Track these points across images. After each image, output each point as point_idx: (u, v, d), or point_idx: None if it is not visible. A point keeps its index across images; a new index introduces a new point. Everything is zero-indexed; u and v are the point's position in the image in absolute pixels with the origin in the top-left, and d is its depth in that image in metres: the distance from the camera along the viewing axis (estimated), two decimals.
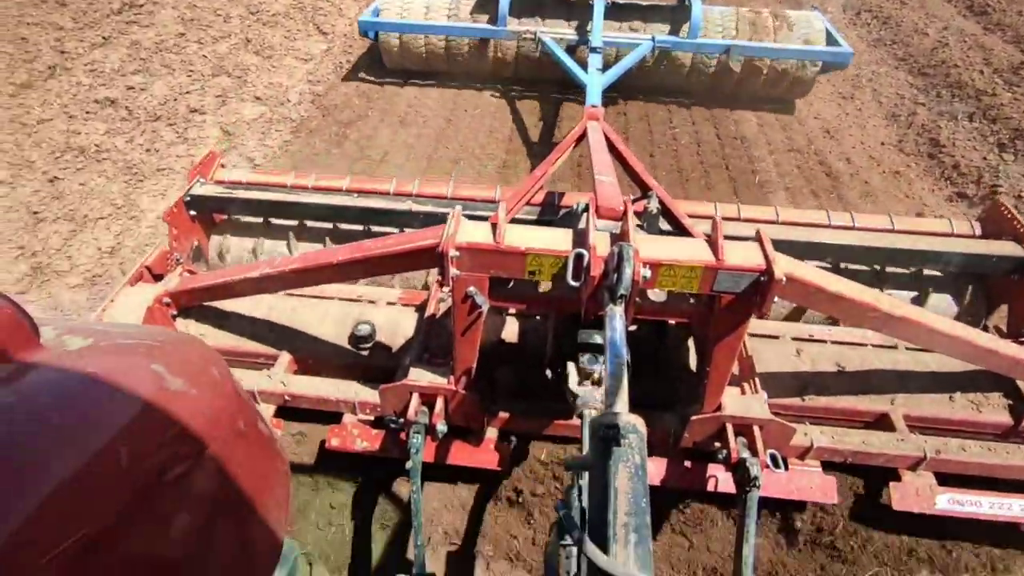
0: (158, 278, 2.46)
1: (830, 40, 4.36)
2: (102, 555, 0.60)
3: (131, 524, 0.62)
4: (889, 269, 2.40)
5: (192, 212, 2.67)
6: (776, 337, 2.22)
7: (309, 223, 2.77)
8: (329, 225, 2.76)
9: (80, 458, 0.58)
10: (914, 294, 2.40)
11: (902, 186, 4.06)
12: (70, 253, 3.43)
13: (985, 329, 2.34)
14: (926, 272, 2.39)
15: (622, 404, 1.16)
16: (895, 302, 1.73)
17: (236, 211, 2.77)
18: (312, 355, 2.26)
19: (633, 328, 1.94)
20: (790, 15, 4.51)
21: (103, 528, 0.58)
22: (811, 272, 1.62)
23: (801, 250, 2.33)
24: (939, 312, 2.37)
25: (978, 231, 2.37)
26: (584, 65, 3.72)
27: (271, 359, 2.25)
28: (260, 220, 2.80)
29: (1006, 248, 2.22)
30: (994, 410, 2.02)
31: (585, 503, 1.08)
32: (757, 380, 1.93)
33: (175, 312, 2.28)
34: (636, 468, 1.03)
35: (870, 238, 2.32)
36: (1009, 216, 2.28)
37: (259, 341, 2.31)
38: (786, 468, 1.78)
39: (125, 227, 3.63)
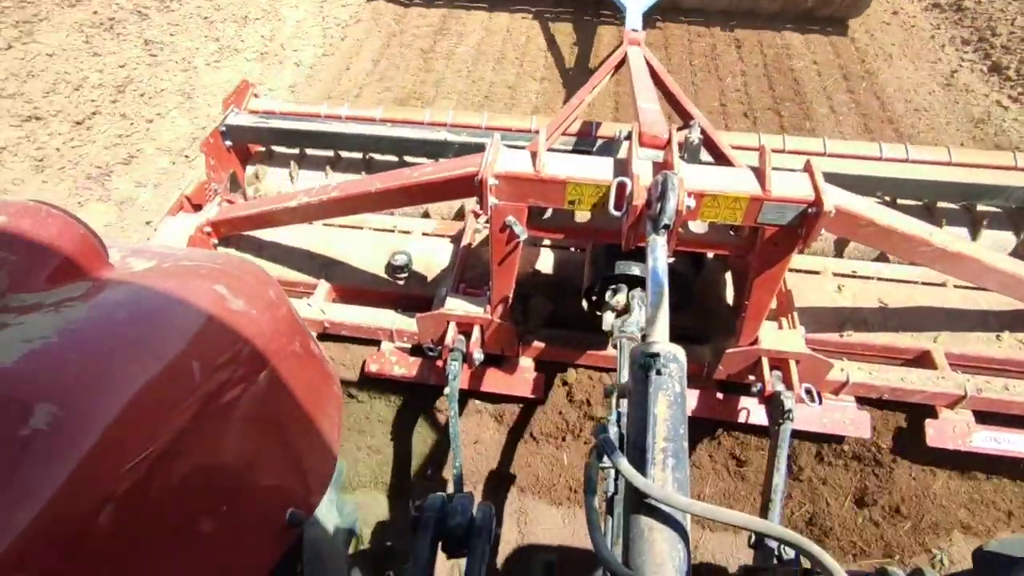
0: (197, 208, 2.51)
1: None
2: (179, 461, 0.64)
3: (202, 433, 0.66)
4: (944, 204, 2.30)
5: (228, 143, 2.67)
6: (817, 273, 2.18)
7: (344, 154, 2.76)
8: (363, 156, 2.74)
9: (156, 368, 0.62)
10: (970, 230, 2.29)
11: None
12: (243, 38, 4.79)
13: None
14: (985, 208, 2.28)
15: (662, 333, 1.17)
16: (948, 237, 1.66)
17: (271, 141, 2.77)
18: (350, 284, 2.30)
19: (670, 260, 1.91)
20: None
21: (178, 435, 0.62)
22: (861, 204, 1.56)
23: (849, 183, 2.19)
24: (995, 249, 2.28)
25: None
26: None
27: (311, 288, 2.30)
28: (295, 151, 2.80)
29: None
30: None
31: (624, 429, 1.11)
32: (795, 315, 1.90)
33: (216, 241, 2.33)
34: (676, 396, 1.05)
35: (925, 171, 2.21)
36: None
37: (298, 270, 2.35)
38: (820, 402, 1.79)
39: (275, 27, 4.93)
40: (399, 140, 2.59)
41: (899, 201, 2.31)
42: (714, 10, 4.53)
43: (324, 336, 2.26)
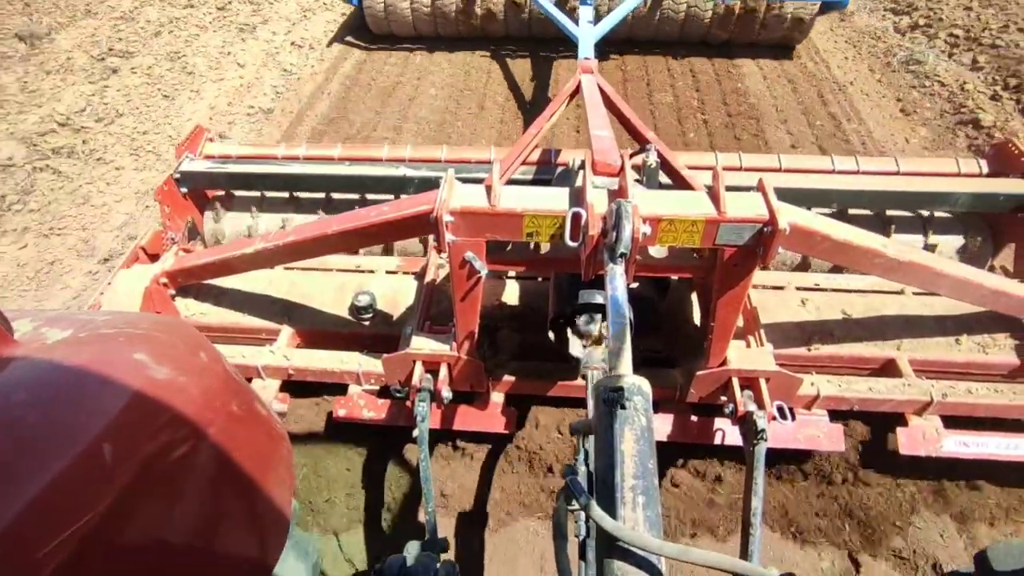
0: (154, 259, 2.44)
1: None
2: (100, 548, 0.59)
3: (124, 520, 0.61)
4: (895, 212, 2.35)
5: (183, 189, 2.62)
6: (781, 288, 2.20)
7: (303, 194, 2.73)
8: (323, 195, 2.71)
9: (60, 460, 0.57)
10: (921, 237, 2.35)
11: None
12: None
13: (991, 270, 2.31)
14: (934, 213, 2.34)
15: (626, 365, 1.15)
16: (901, 248, 1.69)
17: (228, 185, 2.73)
18: (314, 327, 2.25)
19: (635, 285, 1.91)
20: None
21: (94, 523, 0.57)
22: (815, 220, 1.58)
23: (806, 197, 2.28)
24: (945, 253, 2.34)
25: (985, 169, 2.30)
26: (575, 18, 3.58)
27: (273, 333, 2.24)
28: (254, 194, 2.76)
29: (1013, 185, 2.17)
30: (1001, 351, 2.01)
31: (592, 467, 1.08)
32: (762, 332, 1.91)
33: (173, 292, 2.26)
34: (642, 430, 1.02)
35: (875, 182, 2.27)
36: (1017, 153, 2.22)
37: (260, 316, 2.29)
38: (793, 419, 1.78)
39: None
40: (358, 178, 2.58)
41: (853, 211, 2.36)
42: (669, 40, 4.66)
43: (289, 383, 2.20)
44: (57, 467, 0.57)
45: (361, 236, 1.77)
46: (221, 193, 2.79)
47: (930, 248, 2.29)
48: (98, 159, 3.86)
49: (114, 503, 0.59)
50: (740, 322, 1.97)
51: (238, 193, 2.78)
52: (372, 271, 2.40)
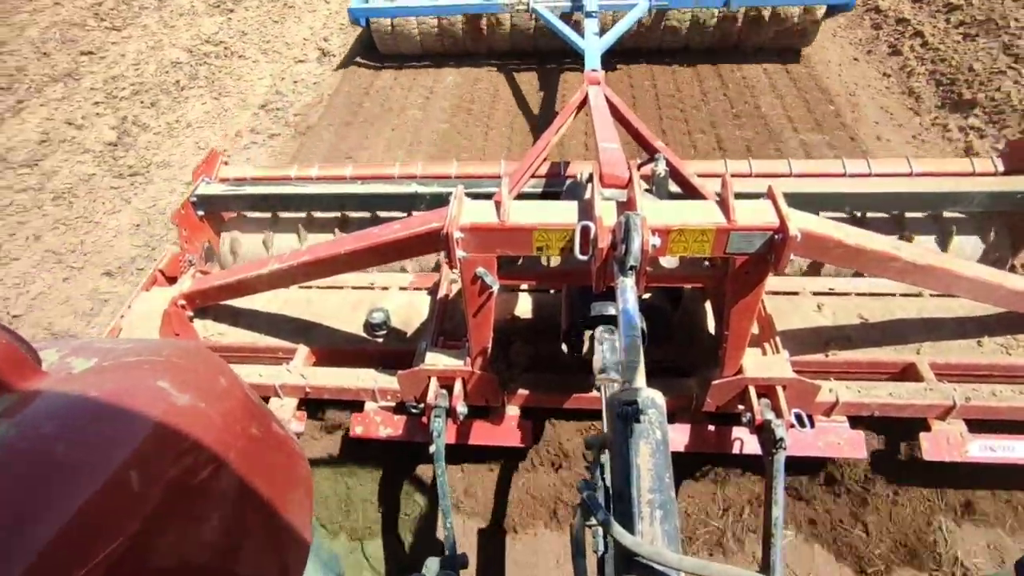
0: (172, 281, 2.48)
1: None
2: (129, 572, 0.60)
3: (151, 544, 0.62)
4: (910, 214, 2.33)
5: (200, 212, 2.68)
6: (796, 293, 2.18)
7: (317, 214, 2.77)
8: (337, 214, 2.75)
9: (89, 489, 0.58)
10: (937, 238, 2.32)
11: None
12: None
13: (1012, 269, 2.27)
14: (949, 214, 2.31)
15: (640, 378, 1.15)
16: (917, 251, 1.67)
17: (243, 208, 2.78)
18: (329, 345, 2.27)
19: (647, 295, 1.91)
20: None
21: (124, 549, 0.58)
22: (827, 226, 1.57)
23: (818, 202, 2.26)
24: (964, 254, 2.30)
25: (1000, 168, 2.27)
26: (581, 31, 3.61)
27: (290, 352, 2.27)
28: (268, 215, 2.81)
29: None
30: None
31: (608, 482, 1.08)
32: (778, 339, 1.89)
33: (191, 313, 2.30)
34: (657, 443, 1.02)
35: (888, 184, 2.25)
36: None
37: (277, 335, 2.32)
38: (812, 426, 1.76)
39: None
40: (370, 196, 2.61)
41: (868, 215, 2.34)
42: (675, 49, 4.67)
43: (306, 401, 2.22)
44: (86, 495, 0.58)
45: (373, 255, 1.80)
46: (237, 215, 2.85)
47: (945, 248, 2.26)
48: (239, 56, 5.56)
49: (141, 528, 0.61)
50: (755, 329, 1.96)
51: (253, 214, 2.82)
52: (386, 288, 2.43)
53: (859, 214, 2.32)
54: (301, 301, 2.38)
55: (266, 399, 2.18)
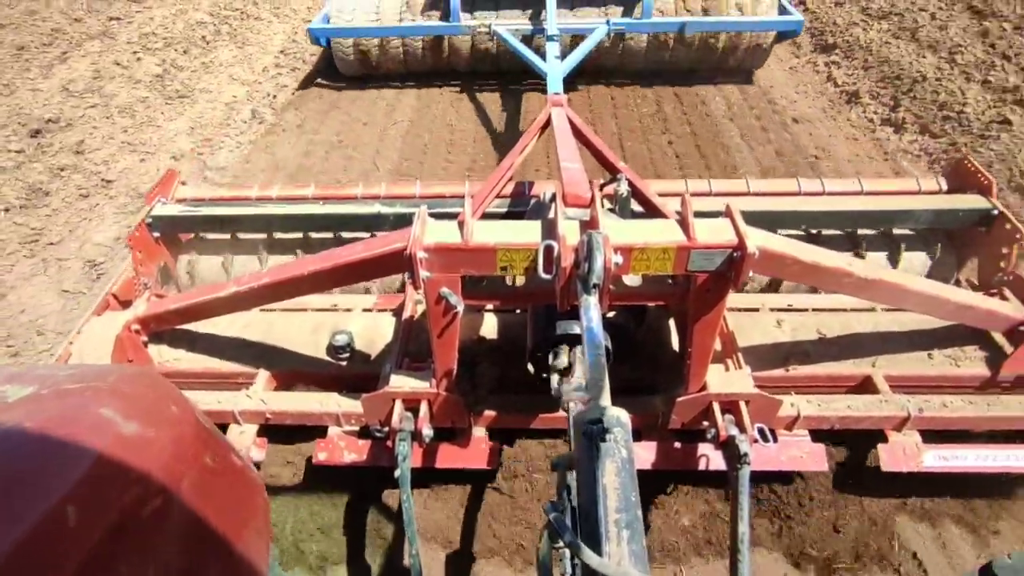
0: (126, 305, 2.40)
1: (781, 10, 4.37)
2: None
3: None
4: (862, 231, 2.42)
5: (156, 234, 2.60)
6: (756, 310, 2.23)
7: (278, 235, 2.72)
8: (299, 235, 2.71)
9: (19, 529, 0.54)
10: (887, 254, 2.41)
11: None
12: None
13: (957, 283, 2.37)
14: (898, 231, 2.41)
15: (605, 397, 1.15)
16: (869, 266, 1.73)
17: (201, 229, 2.71)
18: (291, 369, 2.22)
19: (612, 313, 1.92)
20: None
21: None
22: (783, 243, 1.62)
23: (775, 220, 2.34)
24: (913, 269, 2.40)
25: (944, 187, 2.39)
26: (542, 54, 3.68)
27: (250, 377, 2.20)
28: (227, 236, 2.74)
29: (972, 201, 2.25)
30: (972, 363, 2.05)
31: (575, 502, 1.07)
32: (740, 355, 1.93)
33: (145, 338, 2.21)
34: (623, 462, 1.02)
35: (841, 202, 2.34)
36: (973, 169, 2.31)
37: (236, 360, 2.25)
38: (775, 440, 1.79)
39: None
40: (333, 216, 2.58)
41: (823, 232, 2.42)
42: (634, 71, 4.78)
43: (267, 427, 2.15)
44: (16, 536, 0.54)
45: (336, 276, 1.77)
46: (194, 236, 2.77)
47: (896, 264, 2.35)
48: (255, 19, 6.53)
49: (81, 568, 0.57)
50: (718, 345, 2.00)
51: (212, 236, 2.76)
52: (350, 309, 2.38)
53: (814, 231, 2.41)
54: (262, 324, 2.32)
55: (225, 426, 2.11)
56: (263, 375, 2.18)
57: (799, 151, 3.99)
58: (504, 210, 2.36)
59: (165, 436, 0.71)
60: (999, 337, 2.06)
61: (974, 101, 4.02)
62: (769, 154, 4.00)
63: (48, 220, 3.85)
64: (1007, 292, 2.14)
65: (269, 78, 5.46)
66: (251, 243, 2.74)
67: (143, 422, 0.69)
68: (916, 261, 2.37)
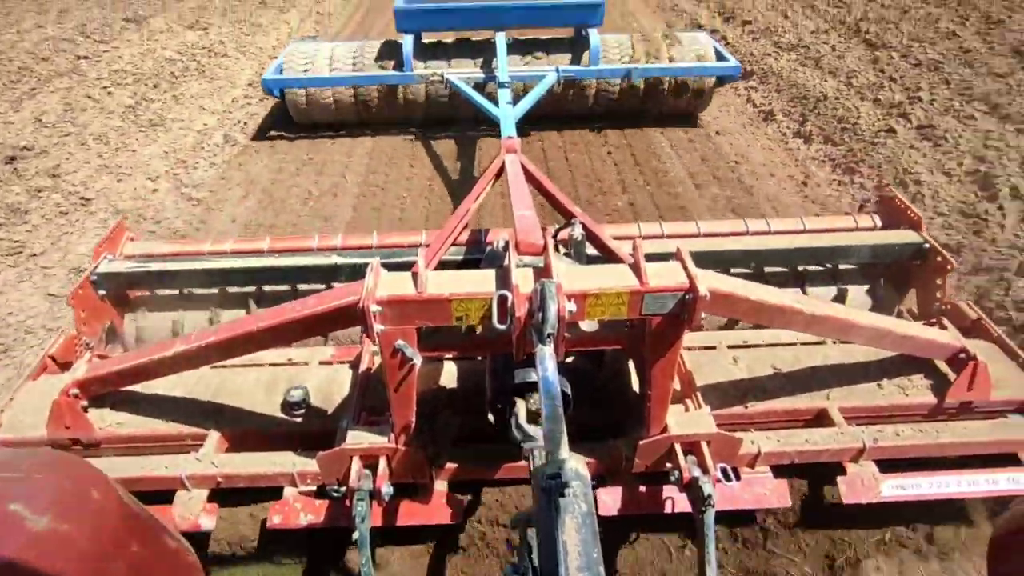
0: (65, 367, 2.28)
1: (719, 56, 4.62)
2: None
3: None
4: (807, 267, 2.51)
5: (101, 292, 2.51)
6: (713, 347, 2.26)
7: (232, 289, 2.66)
8: (254, 288, 2.65)
9: None
10: (833, 288, 2.51)
11: None
12: None
13: (899, 314, 2.47)
14: (840, 266, 2.51)
15: (563, 449, 1.13)
16: (815, 303, 1.79)
17: (151, 285, 2.63)
18: (243, 429, 2.13)
19: (570, 358, 1.92)
20: (680, 36, 4.78)
21: None
22: (733, 284, 1.66)
23: (725, 259, 2.41)
24: (857, 302, 2.50)
25: (879, 223, 2.51)
26: (495, 100, 3.78)
27: (199, 439, 2.10)
28: (178, 292, 2.66)
29: (904, 236, 2.37)
30: (919, 391, 2.11)
31: (536, 562, 1.04)
32: (699, 394, 1.94)
33: (85, 403, 2.10)
34: (583, 517, 1.00)
35: (786, 240, 2.43)
36: (903, 206, 2.44)
37: (184, 420, 2.15)
38: (738, 479, 1.79)
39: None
40: (289, 269, 2.55)
41: (771, 270, 2.51)
42: (584, 115, 4.93)
43: (218, 491, 2.05)
44: None
45: (288, 332, 1.72)
46: (143, 293, 2.68)
47: (842, 298, 2.44)
48: (223, 56, 6.78)
49: None
50: (677, 385, 2.01)
51: (162, 292, 2.67)
52: (306, 363, 2.32)
53: (763, 269, 2.48)
54: (212, 382, 2.23)
55: (171, 493, 1.99)
56: (213, 436, 2.08)
57: (721, 157, 4.54)
58: (460, 258, 2.37)
59: (84, 528, 0.66)
60: (942, 365, 2.14)
61: (867, 115, 4.76)
62: (695, 160, 4.54)
63: (29, 235, 3.99)
64: (945, 321, 2.24)
65: (239, 107, 5.67)
66: (204, 298, 2.67)
67: (58, 515, 0.64)
68: (859, 294, 2.47)
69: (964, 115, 4.57)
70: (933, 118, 4.59)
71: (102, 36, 7.29)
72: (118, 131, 5.23)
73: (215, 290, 2.64)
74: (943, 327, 2.21)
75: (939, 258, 2.34)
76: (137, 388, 2.18)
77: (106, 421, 2.14)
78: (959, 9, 6.51)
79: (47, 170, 4.65)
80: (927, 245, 2.35)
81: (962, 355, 2.02)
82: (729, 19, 7.37)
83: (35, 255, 3.83)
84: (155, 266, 2.57)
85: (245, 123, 5.43)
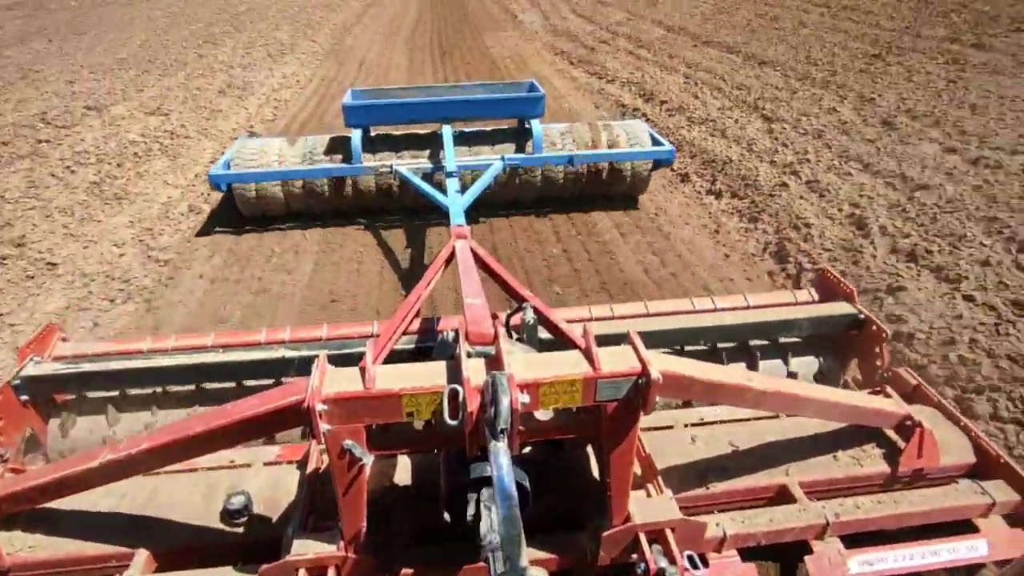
0: None
1: (655, 142, 4.93)
2: None
3: None
4: (754, 342, 2.58)
5: (24, 397, 2.34)
6: (670, 427, 2.25)
7: (173, 388, 2.53)
8: (195, 387, 2.53)
9: None
10: (780, 361, 2.57)
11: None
12: None
13: (845, 384, 2.54)
14: (785, 339, 2.59)
15: (522, 555, 1.08)
16: (765, 380, 1.82)
17: (83, 388, 2.48)
18: (176, 544, 1.94)
19: (528, 449, 1.88)
20: (617, 124, 5.10)
21: None
22: (685, 365, 1.67)
23: (676, 338, 2.46)
24: (804, 373, 2.56)
25: (816, 296, 2.63)
26: (443, 189, 3.88)
27: (125, 559, 1.90)
28: (113, 393, 2.51)
29: (840, 308, 2.48)
30: (872, 461, 2.14)
31: None
32: (660, 479, 1.91)
33: None
34: None
35: (731, 317, 2.50)
36: (836, 280, 2.57)
37: (109, 539, 1.95)
38: (706, 566, 1.73)
39: None
40: (234, 364, 2.45)
41: (720, 346, 2.56)
42: (530, 200, 5.09)
43: None
44: None
45: (228, 435, 1.62)
46: (73, 396, 2.52)
47: (789, 371, 2.50)
48: (184, 137, 7.07)
49: None
50: (637, 469, 1.97)
51: (94, 394, 2.51)
52: (249, 465, 2.18)
53: (715, 345, 2.54)
54: (142, 492, 2.05)
55: None
56: (141, 555, 1.89)
57: (644, 212, 5.16)
58: (412, 346, 2.33)
59: None
60: (892, 433, 2.18)
61: (765, 174, 5.60)
62: (620, 214, 5.10)
63: None
64: (888, 389, 2.31)
65: (202, 182, 5.75)
66: (141, 399, 2.52)
67: None
68: (805, 366, 2.54)
69: (843, 172, 5.51)
70: (818, 175, 5.47)
71: (64, 122, 7.44)
72: (83, 204, 5.36)
73: (153, 390, 2.50)
74: (887, 395, 2.27)
75: (874, 327, 2.44)
76: (56, 504, 1.99)
77: (16, 545, 1.92)
78: (839, 91, 7.76)
79: (12, 240, 4.74)
80: (862, 316, 2.46)
81: (908, 422, 2.07)
82: (649, 100, 8.21)
83: (2, 314, 3.93)
84: (87, 366, 2.43)
85: (208, 194, 5.55)
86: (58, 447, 2.46)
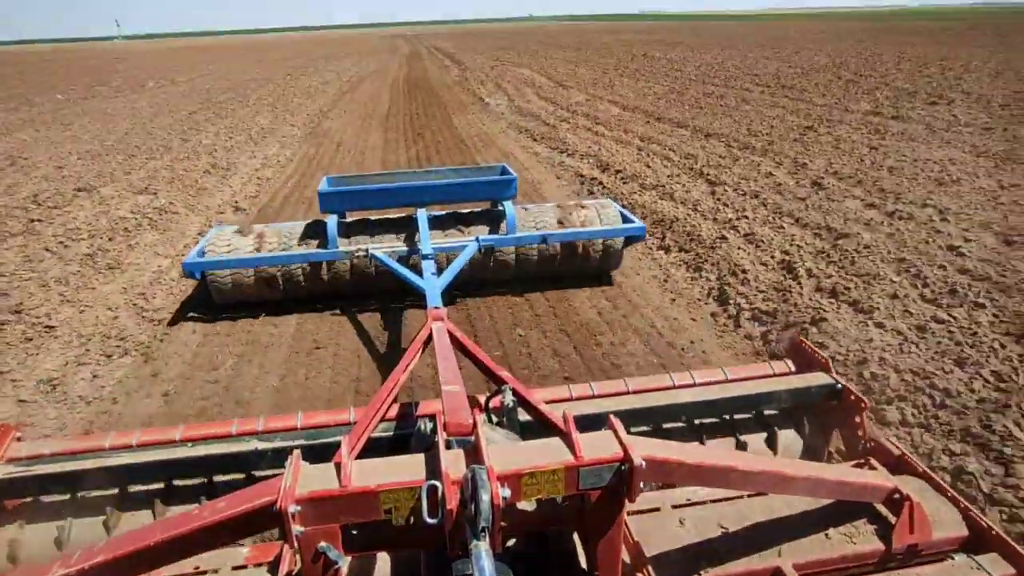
0: None
1: (625, 219, 5.08)
2: None
3: None
4: (735, 416, 2.57)
5: None
6: (657, 509, 2.19)
7: (136, 487, 2.40)
8: (162, 485, 2.40)
9: None
10: (763, 435, 2.56)
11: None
12: None
13: (828, 456, 2.52)
14: (767, 412, 2.59)
15: None
16: (750, 459, 1.80)
17: (36, 491, 2.34)
18: None
19: (512, 541, 1.80)
20: (588, 203, 5.28)
21: None
22: (668, 449, 1.65)
23: (656, 415, 2.44)
24: (787, 445, 2.54)
25: (793, 368, 2.65)
26: (419, 272, 3.90)
27: None
28: (68, 496, 2.36)
29: (817, 379, 2.50)
30: (865, 538, 2.09)
31: None
32: (650, 567, 1.83)
33: None
34: None
35: (710, 391, 2.50)
36: (811, 351, 2.61)
37: None
38: None
39: None
40: (203, 459, 2.35)
41: (700, 421, 2.54)
42: (506, 280, 5.14)
43: None
44: None
45: (193, 543, 1.52)
46: (25, 501, 2.36)
47: (772, 444, 2.48)
48: (173, 213, 7.41)
49: None
50: (626, 557, 1.90)
51: (48, 498, 2.36)
52: (216, 571, 2.04)
53: (695, 421, 2.52)
54: None
55: None
56: None
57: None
58: (390, 434, 2.27)
59: None
60: (881, 507, 2.15)
61: (707, 230, 6.23)
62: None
63: None
64: (873, 460, 2.29)
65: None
66: (100, 502, 2.37)
67: None
68: (788, 438, 2.52)
69: (776, 226, 6.22)
70: (755, 229, 6.14)
71: (55, 203, 7.67)
72: (77, 275, 5.61)
73: (114, 490, 2.36)
74: (872, 467, 2.25)
75: (852, 397, 2.46)
76: None
77: None
78: (776, 158, 8.83)
79: (9, 308, 4.92)
80: (840, 386, 2.48)
81: (896, 495, 2.04)
82: (605, 169, 8.93)
83: (2, 372, 4.09)
84: (41, 468, 2.30)
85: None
86: (3, 562, 2.28)
